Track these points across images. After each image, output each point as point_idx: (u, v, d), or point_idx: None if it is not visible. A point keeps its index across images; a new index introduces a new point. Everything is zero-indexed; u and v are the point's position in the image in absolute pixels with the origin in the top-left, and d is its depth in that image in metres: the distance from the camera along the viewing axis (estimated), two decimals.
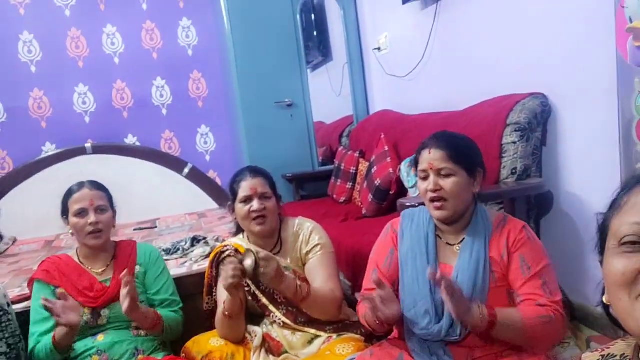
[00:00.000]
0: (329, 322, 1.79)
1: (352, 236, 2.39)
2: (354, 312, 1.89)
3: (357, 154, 3.29)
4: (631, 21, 1.47)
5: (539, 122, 2.01)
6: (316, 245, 1.83)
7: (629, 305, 0.63)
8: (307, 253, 1.84)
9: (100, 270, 1.86)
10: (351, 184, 3.25)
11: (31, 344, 1.72)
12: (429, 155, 1.42)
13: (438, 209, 1.42)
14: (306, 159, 3.89)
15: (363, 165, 3.16)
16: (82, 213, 1.80)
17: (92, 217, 1.80)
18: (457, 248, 1.45)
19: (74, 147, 3.76)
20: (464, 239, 1.45)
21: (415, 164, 1.49)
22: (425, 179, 1.44)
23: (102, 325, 1.78)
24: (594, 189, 1.87)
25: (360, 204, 2.97)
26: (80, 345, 1.72)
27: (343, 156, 3.43)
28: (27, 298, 1.92)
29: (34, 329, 1.74)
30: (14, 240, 3.41)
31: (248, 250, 1.61)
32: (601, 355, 0.76)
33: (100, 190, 1.88)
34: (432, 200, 1.42)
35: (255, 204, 1.79)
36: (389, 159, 2.73)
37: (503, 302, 1.37)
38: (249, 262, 1.59)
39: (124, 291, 1.63)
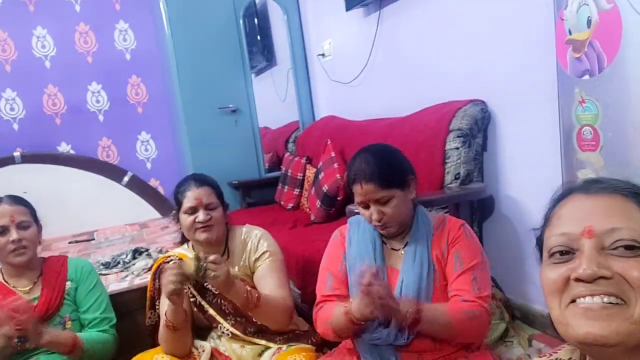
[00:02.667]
0: (279, 333, 1.75)
1: (302, 243, 2.37)
2: (304, 321, 1.87)
3: (303, 160, 3.27)
4: (570, 33, 1.54)
5: (480, 128, 2.07)
6: (264, 252, 1.80)
7: (559, 313, 0.66)
8: (256, 260, 1.80)
9: (26, 289, 1.74)
10: (299, 190, 3.23)
11: None
12: (361, 190, 1.42)
13: (384, 229, 1.45)
14: (252, 165, 3.83)
15: (310, 171, 3.15)
16: (2, 231, 1.68)
17: (13, 234, 1.68)
18: (402, 252, 1.48)
19: (1, 156, 3.51)
20: (407, 242, 1.48)
21: (350, 191, 1.49)
22: (365, 207, 1.45)
23: (30, 349, 1.66)
24: (533, 193, 1.95)
25: (308, 210, 2.95)
26: None
27: (290, 162, 3.41)
28: None
29: None
30: None
31: (196, 256, 1.55)
32: None
33: (20, 205, 1.76)
34: (378, 226, 1.45)
35: (201, 215, 1.73)
36: (336, 165, 2.74)
37: (445, 300, 1.41)
38: (189, 266, 1.53)
39: (21, 318, 1.50)
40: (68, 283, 1.79)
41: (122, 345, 1.83)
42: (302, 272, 2.21)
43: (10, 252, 1.68)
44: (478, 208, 2.06)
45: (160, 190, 3.98)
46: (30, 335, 1.53)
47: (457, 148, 2.03)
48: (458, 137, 2.03)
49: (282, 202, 3.35)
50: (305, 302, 2.11)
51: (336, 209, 2.69)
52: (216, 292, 1.73)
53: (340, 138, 2.94)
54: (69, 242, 3.22)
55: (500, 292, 2.02)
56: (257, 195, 3.67)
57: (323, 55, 3.58)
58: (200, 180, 1.80)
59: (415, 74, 2.62)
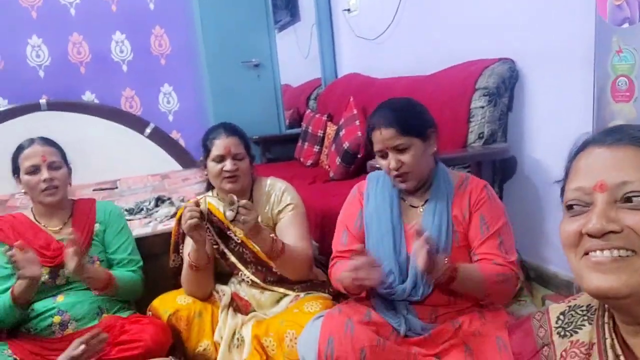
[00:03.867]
0: (297, 282, 1.80)
1: (320, 198, 2.39)
2: (322, 272, 1.91)
3: (324, 117, 3.26)
4: None
5: (507, 87, 2.04)
6: (288, 205, 1.83)
7: (576, 264, 0.68)
8: (279, 213, 1.83)
9: (57, 228, 1.80)
10: (318, 147, 3.23)
11: None
12: (380, 136, 1.42)
13: (403, 182, 1.45)
14: (273, 121, 3.84)
15: (331, 129, 3.14)
16: (34, 170, 1.73)
17: (45, 174, 1.72)
18: (421, 210, 1.49)
19: (28, 103, 3.57)
20: (427, 200, 1.48)
21: (370, 142, 1.49)
22: (383, 157, 1.45)
23: (61, 285, 1.73)
24: (559, 153, 1.92)
25: (327, 167, 2.97)
26: (40, 306, 1.68)
27: (310, 119, 3.40)
28: None
29: None
30: None
31: (230, 199, 1.59)
32: (568, 306, 0.79)
33: (52, 146, 1.80)
34: (396, 176, 1.45)
35: (228, 164, 1.75)
36: (357, 122, 2.72)
37: (465, 260, 1.43)
38: (204, 205, 1.58)
39: (69, 250, 1.58)
40: (96, 225, 1.84)
41: (146, 287, 1.90)
42: (320, 225, 2.24)
43: (42, 191, 1.73)
44: (500, 168, 2.05)
45: (182, 142, 4.02)
46: (74, 269, 1.59)
47: (482, 107, 2.00)
48: (484, 95, 2.00)
49: (301, 159, 3.36)
50: (323, 254, 2.15)
51: (356, 166, 2.69)
52: (239, 241, 1.77)
53: (362, 96, 2.92)
54: (93, 190, 3.30)
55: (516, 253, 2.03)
56: (277, 151, 3.69)
57: (349, 10, 3.50)
58: (230, 129, 1.82)
59: (443, 31, 2.56)
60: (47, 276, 1.70)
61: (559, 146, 1.89)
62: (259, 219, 1.78)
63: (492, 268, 1.36)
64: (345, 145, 2.69)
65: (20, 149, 1.77)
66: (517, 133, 2.11)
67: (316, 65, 3.98)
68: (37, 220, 1.81)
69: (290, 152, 3.52)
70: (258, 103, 3.75)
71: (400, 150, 1.41)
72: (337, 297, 1.76)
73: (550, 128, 1.98)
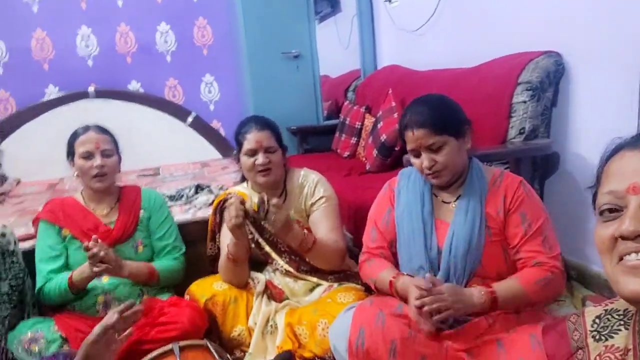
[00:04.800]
0: (330, 272, 1.82)
1: (355, 190, 2.39)
2: (355, 263, 1.92)
3: (363, 109, 3.25)
4: None
5: (551, 82, 1.97)
6: (321, 197, 1.84)
7: (611, 270, 0.68)
8: (312, 205, 1.85)
9: (104, 212, 1.88)
10: (356, 139, 3.23)
11: (40, 281, 1.76)
12: (413, 136, 1.41)
13: (435, 178, 1.45)
14: (311, 112, 3.85)
15: (369, 121, 3.13)
16: (88, 156, 1.80)
17: (97, 160, 1.80)
18: (453, 205, 1.48)
19: (77, 90, 3.72)
20: (459, 196, 1.47)
21: (403, 141, 1.48)
22: (417, 156, 1.44)
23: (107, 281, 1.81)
24: (603, 152, 1.86)
25: (364, 159, 2.96)
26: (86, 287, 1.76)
27: (349, 111, 3.40)
28: (33, 236, 1.95)
29: (43, 267, 1.77)
30: (18, 182, 3.43)
31: (260, 198, 1.63)
32: (604, 310, 0.78)
33: (106, 135, 1.87)
34: (429, 175, 1.44)
35: (260, 158, 1.78)
36: (395, 115, 2.70)
37: (497, 256, 1.42)
38: (249, 204, 1.62)
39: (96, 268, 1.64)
40: (141, 212, 1.91)
41: (184, 272, 1.96)
42: (354, 217, 2.25)
43: (93, 177, 1.81)
44: (541, 165, 1.99)
45: (222, 131, 4.09)
46: (114, 270, 1.68)
47: (525, 102, 1.94)
48: (527, 90, 1.94)
49: (338, 150, 3.37)
50: (357, 246, 2.16)
51: (392, 159, 2.68)
52: (273, 231, 1.80)
53: (402, 88, 2.89)
54: (137, 176, 3.42)
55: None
56: (314, 142, 3.70)
57: (390, 1, 3.46)
58: (261, 123, 1.84)
59: (486, 23, 2.49)
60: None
61: (604, 143, 1.84)
62: (292, 211, 1.81)
63: (532, 276, 1.35)
64: (383, 137, 2.68)
65: (76, 134, 1.85)
66: (560, 129, 2.05)
67: (356, 57, 3.96)
68: (86, 204, 1.89)
69: (328, 143, 3.53)
70: (297, 94, 3.77)
71: (434, 150, 1.40)
72: (370, 289, 1.77)
73: (596, 125, 1.91)
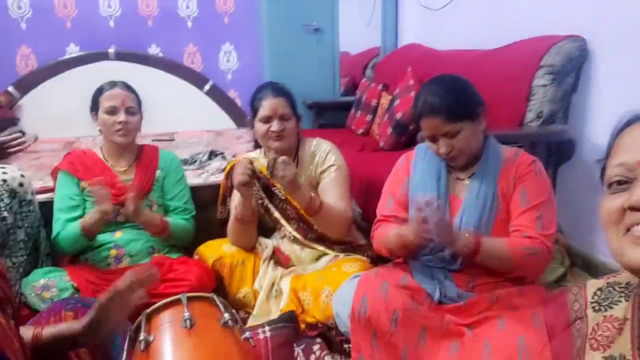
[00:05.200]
0: (337, 242, 1.84)
1: (367, 166, 2.40)
2: (362, 236, 1.94)
3: (380, 87, 3.23)
4: None
5: (573, 67, 1.95)
6: (331, 166, 1.86)
7: (616, 242, 0.68)
8: (322, 172, 1.87)
9: (122, 169, 1.92)
10: (371, 116, 3.22)
11: (56, 229, 1.80)
12: (428, 124, 1.41)
13: (452, 161, 1.45)
14: (328, 87, 3.84)
15: (385, 99, 3.12)
16: (113, 111, 1.83)
17: (122, 117, 1.83)
18: (467, 182, 1.48)
19: (98, 51, 3.73)
20: (473, 173, 1.47)
21: (418, 124, 1.48)
22: (433, 141, 1.44)
23: (120, 222, 1.86)
24: None
25: (378, 137, 2.96)
26: (99, 239, 1.82)
27: (365, 88, 3.39)
28: (49, 190, 1.99)
29: (60, 216, 1.82)
30: (36, 138, 3.48)
31: (269, 156, 1.65)
32: (606, 282, 0.79)
33: (131, 92, 1.91)
34: (446, 159, 1.45)
35: (275, 125, 1.79)
36: (412, 93, 2.69)
37: (506, 234, 1.42)
38: (257, 164, 1.65)
39: (130, 195, 1.71)
40: (158, 172, 1.95)
41: (195, 234, 2.00)
42: (364, 193, 2.26)
43: (116, 131, 1.84)
44: (556, 151, 1.98)
45: (238, 101, 4.10)
46: (132, 212, 1.73)
47: (545, 85, 1.93)
48: (548, 74, 1.92)
49: (352, 127, 3.37)
50: (365, 221, 2.18)
51: (407, 137, 2.68)
52: (283, 197, 1.83)
53: (421, 67, 2.87)
54: (152, 140, 3.44)
55: (563, 238, 1.98)
56: (329, 117, 3.70)
57: None
58: (277, 90, 1.85)
59: (510, 5, 2.46)
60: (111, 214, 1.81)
61: None
62: (302, 179, 1.83)
63: (520, 242, 1.36)
64: (398, 115, 2.68)
65: (102, 89, 1.88)
66: (579, 116, 2.03)
67: (377, 34, 3.92)
68: (105, 159, 1.92)
69: (343, 119, 3.53)
70: (315, 68, 3.75)
71: (450, 136, 1.40)
72: (375, 261, 1.79)
73: (616, 114, 1.85)
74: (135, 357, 1.01)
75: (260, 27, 3.81)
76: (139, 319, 1.08)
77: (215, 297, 1.12)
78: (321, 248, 1.85)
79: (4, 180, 1.71)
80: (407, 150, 1.69)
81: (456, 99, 1.39)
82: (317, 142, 1.94)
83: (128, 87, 1.90)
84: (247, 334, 1.09)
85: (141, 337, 1.01)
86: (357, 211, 2.33)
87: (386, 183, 1.64)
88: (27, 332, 1.00)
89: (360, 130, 3.26)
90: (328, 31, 3.78)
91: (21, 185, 1.77)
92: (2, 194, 1.69)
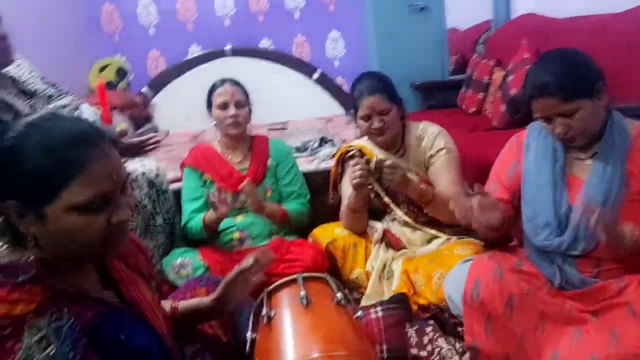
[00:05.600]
0: (449, 225, 1.83)
1: (479, 147, 2.33)
2: None
3: (492, 63, 3.08)
4: None
5: None
6: (441, 149, 1.83)
7: None
8: (431, 157, 1.85)
9: (238, 160, 2.07)
10: (483, 94, 3.09)
11: (184, 218, 2.02)
12: (541, 106, 1.30)
13: (571, 142, 1.34)
14: (436, 67, 3.74)
15: (497, 75, 2.97)
16: (224, 106, 1.99)
17: (232, 110, 1.98)
18: (589, 162, 1.37)
19: (216, 49, 4.02)
20: (596, 152, 1.35)
21: (529, 106, 1.38)
22: (548, 121, 1.33)
23: (240, 207, 2.01)
24: None
25: (490, 115, 2.84)
26: (224, 224, 1.99)
27: (476, 65, 3.25)
28: (180, 180, 2.21)
29: (187, 206, 2.03)
30: (167, 133, 3.86)
31: (377, 161, 1.68)
32: None
33: (240, 87, 2.05)
34: (563, 140, 1.34)
35: (375, 123, 1.80)
36: (528, 67, 2.53)
37: (635, 218, 1.29)
38: (373, 164, 1.68)
39: (243, 184, 1.86)
40: (270, 160, 2.08)
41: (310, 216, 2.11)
42: (476, 175, 2.19)
43: (228, 124, 2.00)
44: None
45: (345, 88, 4.16)
46: (256, 205, 1.90)
47: None
48: None
49: (463, 106, 3.26)
50: None
51: (522, 115, 2.53)
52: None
53: (538, 38, 2.68)
54: (267, 130, 3.64)
55: None
56: (438, 98, 3.60)
57: None
58: (371, 87, 1.81)
59: None
60: (230, 198, 1.98)
61: None
62: (410, 165, 1.83)
63: None
64: (513, 91, 2.54)
65: (214, 87, 2.05)
66: None
67: (487, 7, 3.72)
68: (222, 152, 2.10)
69: (452, 99, 3.43)
70: (422, 48, 3.67)
71: (566, 115, 1.28)
72: (491, 245, 1.74)
73: None
74: (260, 329, 1.11)
75: (366, 11, 3.81)
76: (261, 296, 1.18)
77: (328, 277, 1.18)
78: (432, 231, 1.85)
79: (143, 173, 1.95)
80: (521, 129, 1.62)
81: (570, 76, 1.27)
82: (424, 125, 1.92)
83: (236, 83, 2.05)
84: (360, 313, 1.14)
85: (264, 313, 1.11)
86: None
87: (494, 165, 1.58)
88: (166, 305, 1.15)
89: (472, 110, 3.14)
90: (434, 9, 3.68)
91: (157, 176, 2.00)
92: (142, 185, 1.93)
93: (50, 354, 0.73)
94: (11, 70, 1.69)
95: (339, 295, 1.12)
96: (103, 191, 0.81)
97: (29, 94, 1.70)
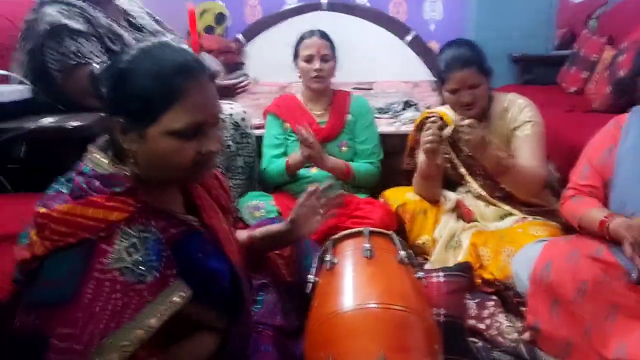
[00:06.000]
0: (526, 203, 1.76)
1: (574, 128, 2.18)
2: (556, 200, 1.81)
3: (603, 40, 2.84)
4: None
5: None
6: (526, 122, 1.75)
7: None
8: (514, 129, 1.78)
9: (318, 113, 2.11)
10: (587, 73, 2.86)
11: (264, 163, 2.11)
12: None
13: None
14: (539, 39, 3.48)
15: (608, 53, 2.73)
16: (309, 59, 2.01)
17: (316, 64, 2.00)
18: None
19: (312, 2, 4.00)
20: None
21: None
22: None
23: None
24: None
25: (593, 96, 2.64)
26: (299, 173, 2.05)
27: (586, 41, 3.00)
28: (263, 127, 2.28)
29: (267, 152, 2.11)
30: (257, 81, 3.96)
31: (456, 120, 1.64)
32: None
33: (326, 41, 2.06)
34: None
35: (464, 97, 1.73)
36: None
37: None
38: (448, 131, 1.63)
39: (300, 127, 1.88)
40: (348, 116, 2.10)
41: (381, 179, 2.12)
42: (566, 156, 2.07)
43: (312, 78, 2.03)
44: None
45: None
46: (318, 159, 1.92)
47: None
48: None
49: (563, 84, 3.05)
50: (563, 187, 2.03)
51: (628, 98, 2.33)
52: (469, 153, 1.80)
53: None
54: (352, 88, 3.63)
55: None
56: (538, 73, 3.38)
57: None
58: (464, 60, 1.73)
59: None
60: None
61: None
62: (491, 138, 1.77)
63: None
64: (621, 72, 2.34)
65: (302, 38, 2.08)
66: None
67: None
68: (304, 103, 2.13)
69: (552, 76, 3.20)
70: (526, 18, 3.42)
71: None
72: (568, 230, 1.67)
73: None
74: (322, 274, 1.16)
75: None
76: (326, 243, 1.23)
77: (394, 235, 1.20)
78: (507, 207, 1.80)
79: (230, 114, 2.04)
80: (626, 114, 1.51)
81: None
82: (512, 97, 1.84)
83: (324, 35, 2.05)
84: (421, 274, 1.15)
85: (327, 259, 1.16)
86: (555, 176, 2.17)
87: (585, 148, 1.50)
88: (242, 234, 1.23)
89: (572, 89, 2.93)
90: None
91: (243, 120, 2.08)
92: (228, 126, 2.02)
93: (138, 259, 0.81)
94: (124, 2, 1.81)
95: (402, 253, 1.14)
96: (197, 121, 0.87)
97: (136, 28, 1.81)
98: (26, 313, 0.82)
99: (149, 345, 0.82)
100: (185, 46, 2.01)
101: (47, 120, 1.48)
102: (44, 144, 1.54)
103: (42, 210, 0.82)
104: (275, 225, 1.24)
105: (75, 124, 1.43)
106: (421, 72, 3.97)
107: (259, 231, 1.24)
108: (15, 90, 1.56)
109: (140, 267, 0.81)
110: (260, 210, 1.93)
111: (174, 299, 0.84)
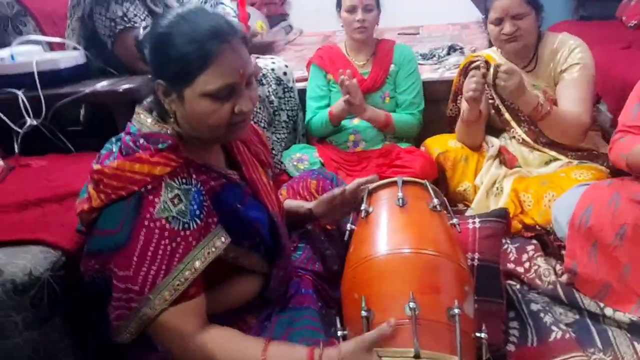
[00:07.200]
0: (572, 148, 1.73)
1: (629, 66, 2.06)
2: (605, 143, 1.75)
3: None
4: None
5: None
6: (574, 64, 1.68)
7: None
8: (562, 71, 1.71)
9: (361, 63, 2.10)
10: None
11: (309, 115, 2.14)
12: None
13: None
14: None
15: None
16: (352, 10, 1.99)
17: (359, 15, 1.98)
18: None
19: None
20: None
21: None
22: None
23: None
24: None
25: None
26: (341, 124, 2.08)
27: None
28: (305, 79, 2.31)
29: (311, 103, 2.14)
30: (301, 32, 3.95)
31: (494, 66, 1.61)
32: None
33: None
34: None
35: (507, 27, 1.67)
36: None
37: None
38: (489, 76, 1.61)
39: (342, 74, 1.86)
40: (392, 66, 2.07)
41: (424, 127, 2.11)
42: (618, 96, 1.98)
43: (354, 28, 2.01)
44: None
45: None
46: (358, 108, 1.93)
47: None
48: None
49: (623, 18, 2.84)
50: (613, 127, 1.95)
51: None
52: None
53: None
54: (398, 34, 3.55)
55: None
56: (595, 8, 3.15)
57: None
58: None
59: None
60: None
61: None
62: (539, 80, 1.71)
63: None
64: None
65: None
66: None
67: None
68: (347, 54, 2.13)
69: (612, 9, 2.98)
70: None
71: None
72: (616, 174, 1.62)
73: None
74: (358, 222, 1.22)
75: None
76: (362, 194, 1.28)
77: (428, 183, 1.22)
78: (553, 153, 1.77)
79: (272, 69, 2.08)
80: None
81: None
82: (563, 37, 1.75)
83: None
84: (454, 220, 1.18)
85: (363, 207, 1.20)
86: (606, 116, 2.09)
87: (635, 87, 1.43)
88: None
89: (633, 22, 2.74)
90: None
91: (285, 74, 2.12)
92: (270, 81, 2.06)
93: (182, 209, 0.90)
94: None
95: (435, 200, 1.17)
96: (230, 83, 0.93)
97: None
98: (88, 259, 0.94)
99: (197, 283, 0.91)
100: (227, 1, 2.05)
101: (101, 84, 1.58)
102: (99, 107, 1.66)
103: (97, 167, 0.93)
104: (298, 205, 1.31)
105: (125, 86, 1.53)
106: (471, 13, 3.79)
107: (286, 204, 1.31)
108: (70, 57, 1.68)
109: (185, 216, 0.90)
110: (304, 162, 1.99)
111: (216, 243, 0.94)
